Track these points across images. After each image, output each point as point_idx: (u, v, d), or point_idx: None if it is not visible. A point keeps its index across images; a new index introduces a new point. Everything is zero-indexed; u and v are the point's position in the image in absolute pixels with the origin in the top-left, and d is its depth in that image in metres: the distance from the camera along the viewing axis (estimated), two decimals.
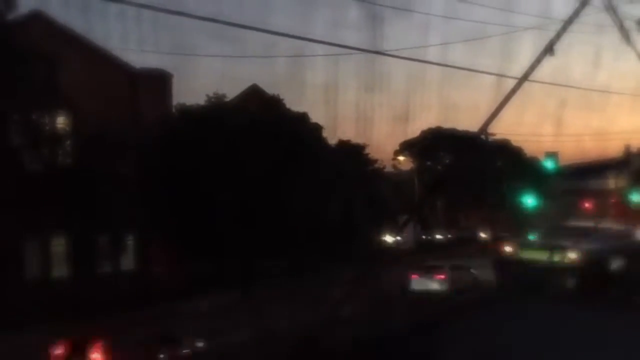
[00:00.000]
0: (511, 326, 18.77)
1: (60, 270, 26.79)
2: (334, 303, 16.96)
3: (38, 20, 26.95)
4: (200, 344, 16.91)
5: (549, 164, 46.50)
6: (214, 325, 19.76)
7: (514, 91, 7.31)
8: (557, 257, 24.23)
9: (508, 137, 55.40)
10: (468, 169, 42.56)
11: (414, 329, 19.25)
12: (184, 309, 23.24)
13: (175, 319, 20.50)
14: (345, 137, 41.25)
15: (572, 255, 24.25)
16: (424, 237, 50.80)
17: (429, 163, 54.84)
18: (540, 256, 24.72)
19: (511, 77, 12.38)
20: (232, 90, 35.16)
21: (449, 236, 55.21)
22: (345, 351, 16.73)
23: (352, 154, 40.32)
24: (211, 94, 31.41)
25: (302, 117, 34.48)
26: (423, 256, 36.70)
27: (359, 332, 18.33)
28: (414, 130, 57.42)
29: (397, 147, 55.99)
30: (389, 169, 52.23)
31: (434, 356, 16.49)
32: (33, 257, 26.30)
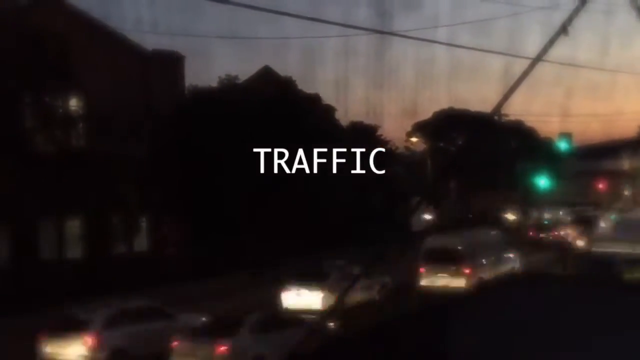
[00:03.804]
0: None
1: (74, 251, 27.00)
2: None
3: (51, 2, 26.93)
4: None
5: (562, 145, 45.78)
6: (225, 305, 20.05)
7: (527, 72, 7.24)
8: None
9: (521, 118, 55.15)
10: (481, 149, 42.33)
11: None
12: (192, 290, 23.52)
13: (184, 299, 20.70)
14: (357, 119, 41.11)
15: None
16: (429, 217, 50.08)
17: (441, 144, 54.55)
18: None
19: (524, 58, 12.30)
20: (243, 72, 35.17)
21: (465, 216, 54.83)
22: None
23: (365, 135, 40.18)
24: (223, 76, 31.41)
25: (315, 99, 34.41)
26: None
27: None
28: (427, 111, 57.19)
29: (410, 129, 55.73)
30: (401, 150, 52.02)
31: None
32: (48, 238, 26.49)
